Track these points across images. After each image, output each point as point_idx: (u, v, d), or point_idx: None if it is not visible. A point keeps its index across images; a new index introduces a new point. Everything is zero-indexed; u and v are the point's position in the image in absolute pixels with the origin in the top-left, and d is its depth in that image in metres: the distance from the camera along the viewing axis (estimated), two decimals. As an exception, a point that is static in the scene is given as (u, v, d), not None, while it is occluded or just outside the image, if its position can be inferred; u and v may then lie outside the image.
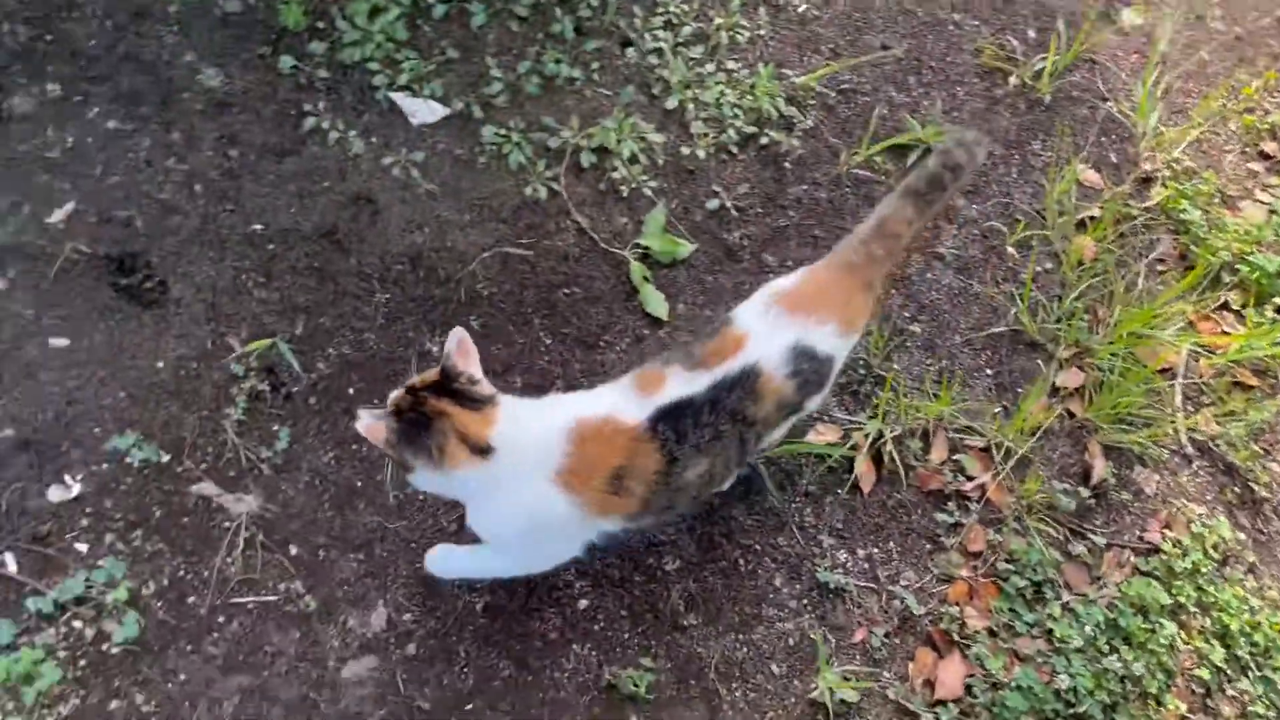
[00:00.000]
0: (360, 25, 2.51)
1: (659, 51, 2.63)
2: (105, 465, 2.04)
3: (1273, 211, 2.74)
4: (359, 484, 2.08)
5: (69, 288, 2.19)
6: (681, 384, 1.71)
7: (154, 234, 2.26)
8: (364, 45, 2.49)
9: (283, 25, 2.50)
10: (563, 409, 1.72)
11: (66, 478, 2.02)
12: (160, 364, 2.15)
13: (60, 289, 2.18)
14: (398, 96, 2.47)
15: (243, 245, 2.28)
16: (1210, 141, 2.87)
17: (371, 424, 1.59)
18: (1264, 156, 2.88)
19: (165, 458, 2.06)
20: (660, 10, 2.69)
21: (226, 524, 2.02)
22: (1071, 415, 2.41)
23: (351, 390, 2.16)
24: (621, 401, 1.71)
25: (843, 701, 2.05)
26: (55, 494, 2.00)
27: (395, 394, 1.64)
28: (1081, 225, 2.63)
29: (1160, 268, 2.64)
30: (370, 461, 2.09)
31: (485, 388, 1.66)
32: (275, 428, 2.12)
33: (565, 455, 1.66)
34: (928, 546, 2.24)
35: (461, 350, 1.65)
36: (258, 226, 2.30)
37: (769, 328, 1.76)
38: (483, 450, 1.61)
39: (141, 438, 2.06)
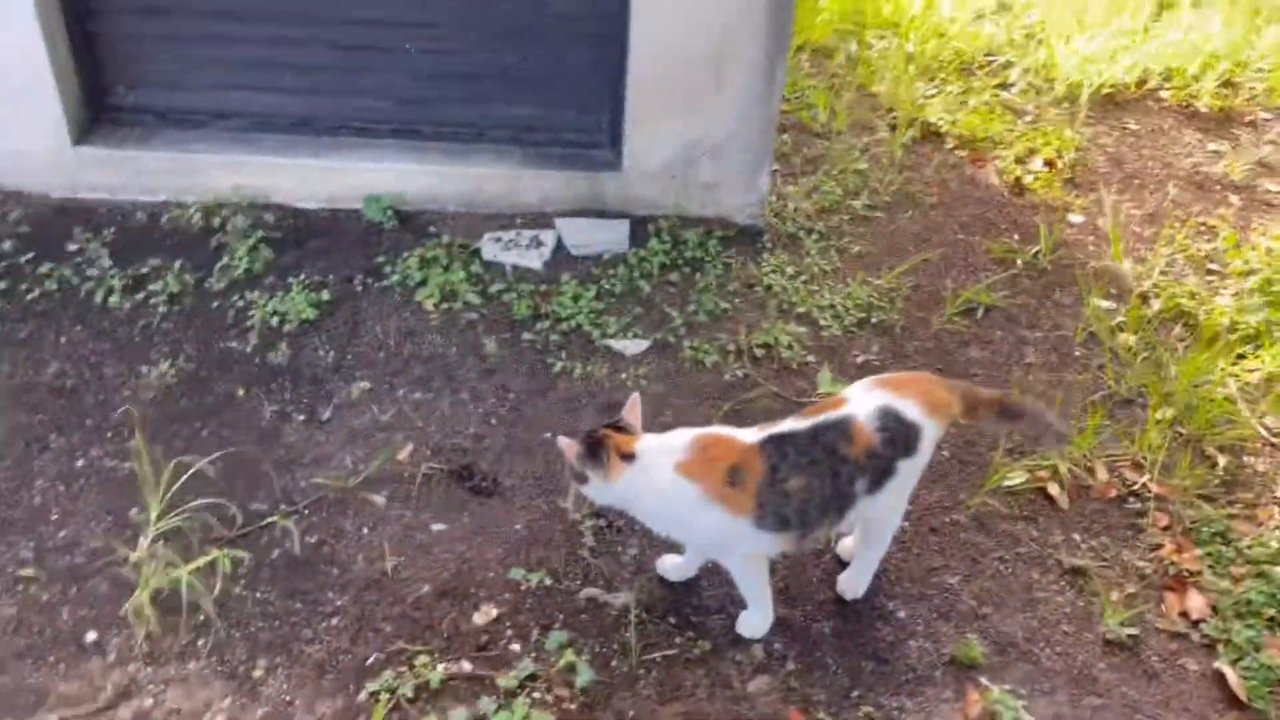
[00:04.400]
0: (568, 306, 3.40)
1: (778, 285, 3.58)
2: (508, 594, 2.56)
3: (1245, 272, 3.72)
4: (701, 575, 2.63)
5: (431, 494, 2.81)
6: (790, 423, 2.34)
7: (476, 452, 2.94)
8: (576, 317, 3.37)
9: (514, 316, 3.37)
10: (692, 430, 2.35)
11: (483, 607, 2.52)
12: (518, 526, 2.74)
13: (425, 495, 2.81)
14: (610, 342, 3.31)
15: (542, 447, 2.96)
16: (1174, 261, 3.90)
17: (569, 443, 2.26)
18: (1209, 273, 3.91)
19: (549, 580, 2.59)
20: (766, 262, 3.68)
21: (614, 612, 2.53)
22: (1181, 434, 3.15)
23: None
24: (744, 433, 2.34)
25: (1130, 636, 2.56)
26: (479, 618, 2.49)
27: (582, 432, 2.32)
28: (1116, 329, 3.54)
29: (1183, 342, 3.51)
30: (712, 566, 2.64)
31: (638, 428, 2.34)
32: (620, 548, 2.69)
33: (688, 453, 2.27)
34: (1128, 532, 2.86)
35: (632, 407, 2.36)
36: (547, 434, 3.00)
37: (864, 393, 2.35)
38: (629, 456, 2.26)
39: (528, 570, 2.60)
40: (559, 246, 3.66)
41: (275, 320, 3.28)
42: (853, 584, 2.61)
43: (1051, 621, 2.61)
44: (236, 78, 3.71)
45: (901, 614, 2.60)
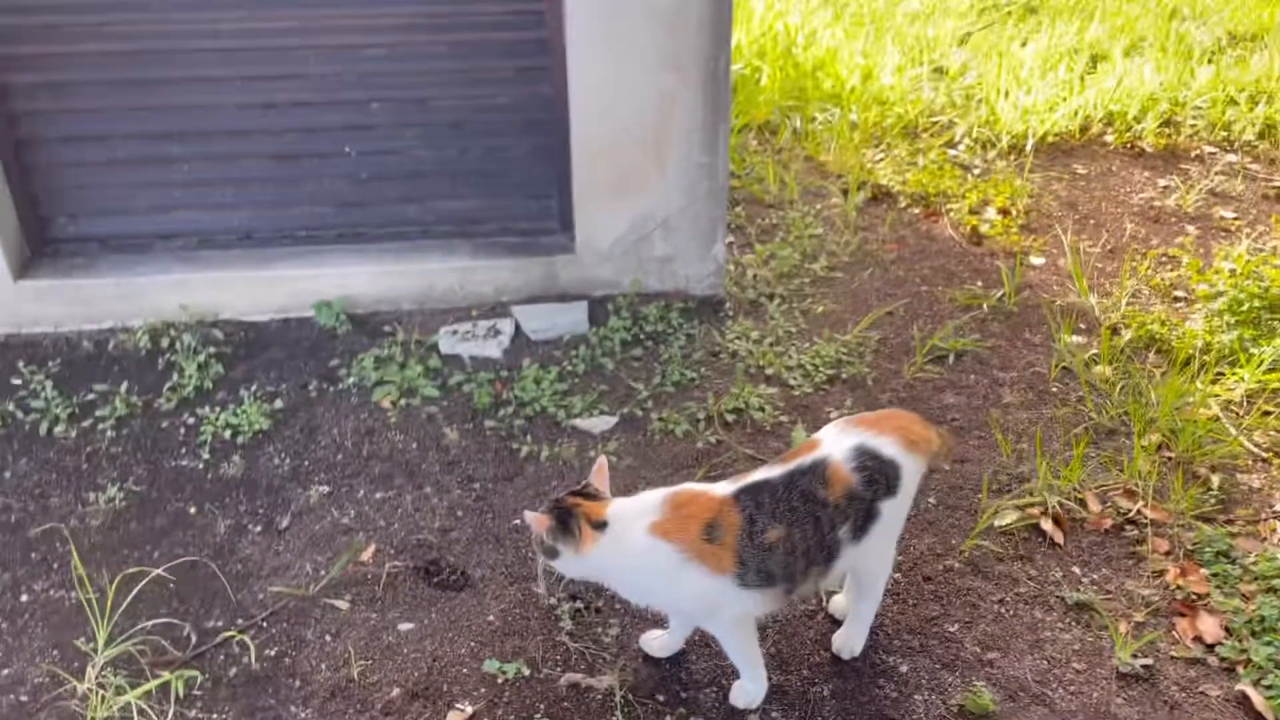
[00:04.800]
0: (530, 390, 3.31)
1: (744, 350, 3.50)
2: (484, 689, 2.39)
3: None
4: (688, 649, 2.47)
5: (397, 593, 2.66)
6: (764, 472, 2.22)
7: (443, 546, 2.80)
8: (539, 400, 3.27)
9: (475, 406, 3.27)
10: (663, 490, 2.21)
11: (458, 705, 2.35)
12: (490, 617, 2.58)
13: (391, 595, 2.65)
14: (576, 422, 3.21)
15: (512, 533, 2.83)
16: (1140, 292, 3.85)
17: (537, 516, 2.11)
18: (1175, 300, 3.87)
19: (527, 670, 2.43)
20: (729, 330, 3.61)
21: (599, 696, 2.36)
22: (1170, 457, 3.05)
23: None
24: (717, 487, 2.21)
25: (1144, 667, 2.41)
26: (454, 717, 2.32)
27: (548, 502, 2.17)
28: (1090, 361, 3.46)
29: (1159, 368, 3.44)
30: (699, 637, 2.49)
31: (607, 494, 2.21)
32: (600, 629, 2.54)
33: (661, 512, 2.14)
34: (1129, 561, 2.73)
35: (599, 472, 2.23)
36: (516, 521, 2.87)
37: (838, 434, 2.23)
38: (601, 524, 2.12)
39: (503, 662, 2.44)
40: (517, 333, 3.59)
41: (228, 433, 3.17)
42: (849, 642, 2.46)
43: (1061, 660, 2.46)
44: (178, 198, 3.68)
45: (903, 668, 2.45)
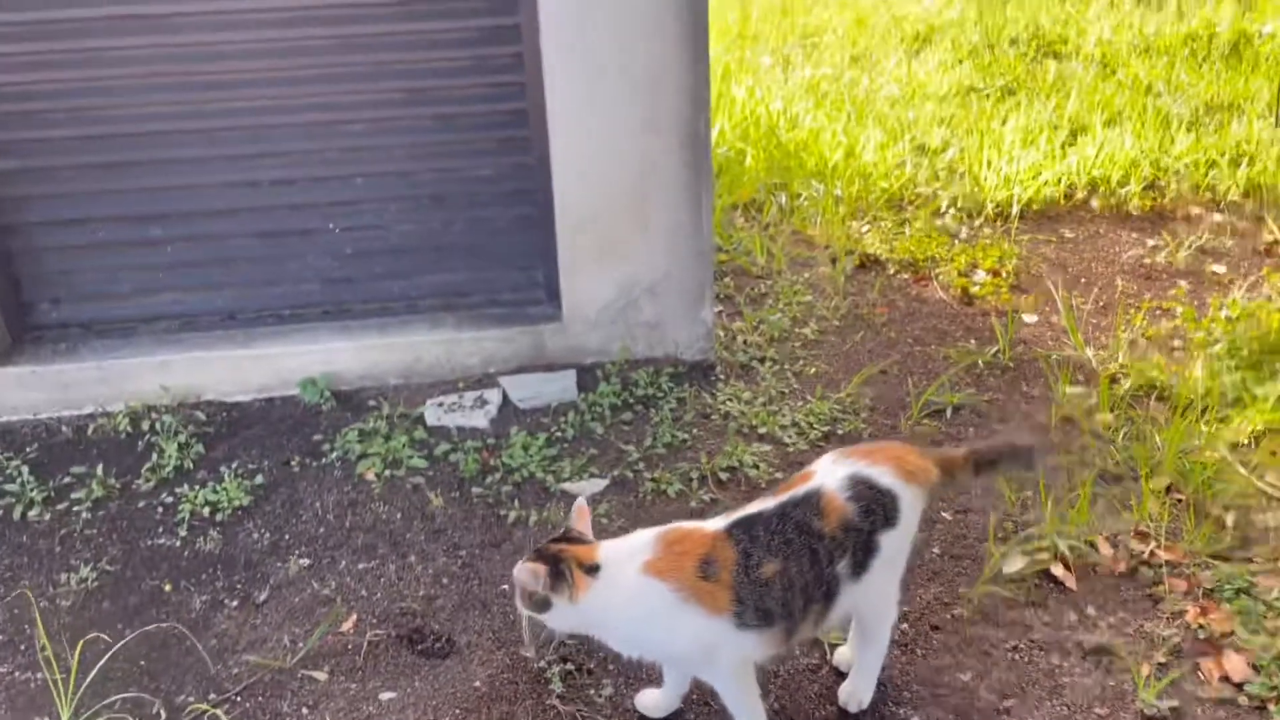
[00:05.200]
0: (519, 456, 3.22)
1: (736, 410, 3.43)
2: (469, 756, 2.25)
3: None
4: (685, 708, 2.34)
5: (379, 662, 2.53)
6: (756, 505, 2.14)
7: (427, 614, 2.68)
8: (527, 466, 3.18)
9: (462, 475, 3.18)
10: (653, 529, 2.12)
11: (442, 773, 2.20)
12: (477, 684, 2.45)
13: (372, 665, 2.52)
14: (566, 485, 3.11)
15: (500, 598, 2.71)
16: (1136, 343, 3.80)
17: (534, 566, 1.97)
18: (1172, 349, 3.81)
19: (516, 736, 2.29)
20: (720, 392, 3.54)
21: (593, 759, 2.22)
22: (1180, 499, 2.95)
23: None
24: (708, 523, 2.13)
25: (1171, 709, 2.27)
26: (438, 786, 2.17)
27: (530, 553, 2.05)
28: (1092, 410, 3.39)
29: (1160, 415, 3.36)
30: (698, 696, 2.36)
31: (591, 537, 2.10)
32: (593, 690, 2.40)
33: (654, 552, 2.03)
34: (1146, 603, 2.60)
35: (580, 515, 2.13)
36: (505, 586, 2.75)
37: (831, 465, 2.15)
38: (593, 568, 2.02)
39: (490, 728, 2.30)
40: (505, 402, 3.52)
41: (206, 510, 3.07)
42: (856, 694, 2.32)
43: (1083, 706, 2.32)
44: (162, 280, 3.65)
45: (915, 719, 2.30)
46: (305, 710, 2.41)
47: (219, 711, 2.39)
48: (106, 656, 2.48)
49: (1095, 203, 5.12)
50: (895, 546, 2.17)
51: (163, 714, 2.40)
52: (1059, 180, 5.15)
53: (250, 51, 3.36)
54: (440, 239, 3.68)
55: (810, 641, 2.51)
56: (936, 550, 2.81)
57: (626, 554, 2.06)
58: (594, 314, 3.64)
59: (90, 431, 3.46)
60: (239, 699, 2.45)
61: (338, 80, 3.43)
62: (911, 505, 2.16)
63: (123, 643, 2.57)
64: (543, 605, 2.02)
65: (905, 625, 2.55)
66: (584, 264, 3.58)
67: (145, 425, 3.45)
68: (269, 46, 3.36)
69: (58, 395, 3.53)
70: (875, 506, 2.11)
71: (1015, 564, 2.72)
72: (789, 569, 2.04)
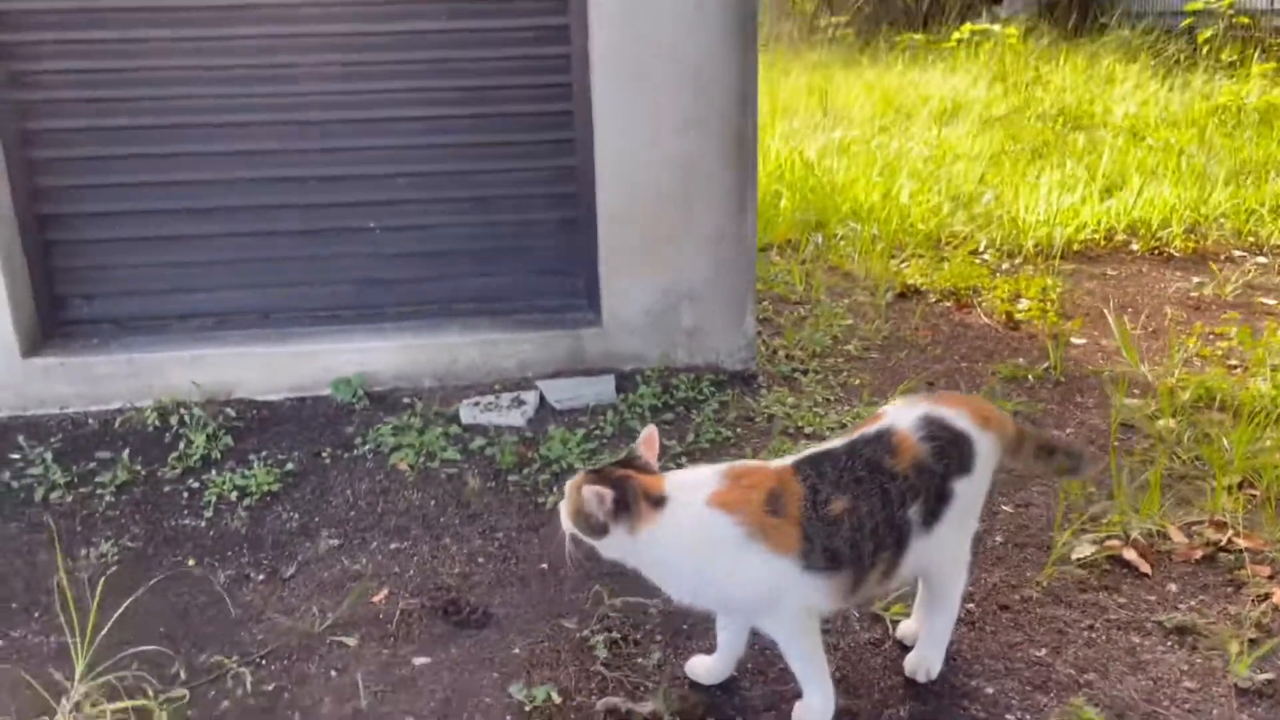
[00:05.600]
0: (557, 449, 3.11)
1: (781, 413, 3.32)
2: (509, 717, 2.09)
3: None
4: (740, 675, 2.19)
5: (411, 629, 2.39)
6: (826, 444, 2.04)
7: (463, 588, 2.54)
8: (566, 458, 3.07)
9: (499, 465, 3.07)
10: (718, 465, 2.00)
11: (480, 732, 2.05)
12: (516, 650, 2.30)
13: (404, 631, 2.38)
14: (607, 477, 2.99)
15: (539, 575, 2.57)
16: (1191, 360, 3.69)
17: (601, 490, 1.85)
18: (1230, 366, 3.70)
19: (558, 697, 2.13)
20: (763, 398, 3.43)
21: (641, 720, 2.06)
22: (1254, 495, 2.80)
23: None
24: (774, 461, 2.03)
25: (1267, 681, 2.10)
26: (476, 744, 2.01)
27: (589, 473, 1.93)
28: (1154, 416, 3.27)
29: (1222, 422, 3.24)
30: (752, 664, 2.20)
31: (655, 467, 1.99)
32: (640, 658, 2.25)
33: (720, 483, 1.92)
34: (1228, 587, 2.45)
35: (648, 443, 2.01)
36: (544, 565, 2.62)
37: (905, 406, 2.06)
38: (660, 500, 1.90)
39: (530, 689, 2.14)
40: (541, 404, 3.42)
41: (234, 495, 2.96)
42: (925, 662, 2.16)
43: (1170, 680, 2.15)
44: (197, 277, 3.61)
45: (989, 690, 2.14)
46: (334, 673, 2.26)
47: (245, 669, 2.24)
48: (122, 612, 2.33)
49: (1136, 245, 5.06)
50: (969, 497, 2.04)
51: (182, 673, 2.25)
52: (1098, 222, 5.11)
53: (297, 46, 3.38)
54: (481, 241, 3.63)
55: (870, 617, 2.37)
56: (999, 538, 2.67)
57: (692, 486, 1.94)
58: (634, 319, 3.56)
59: (117, 424, 3.37)
60: (263, 661, 2.30)
61: (385, 77, 3.44)
62: (987, 455, 2.04)
63: (143, 605, 2.43)
64: (599, 531, 1.90)
65: (971, 605, 2.40)
66: (625, 268, 3.52)
67: (174, 420, 3.36)
68: (316, 41, 3.38)
69: (86, 389, 3.45)
70: (950, 449, 1.99)
71: (1084, 549, 2.57)
72: (859, 508, 1.92)
